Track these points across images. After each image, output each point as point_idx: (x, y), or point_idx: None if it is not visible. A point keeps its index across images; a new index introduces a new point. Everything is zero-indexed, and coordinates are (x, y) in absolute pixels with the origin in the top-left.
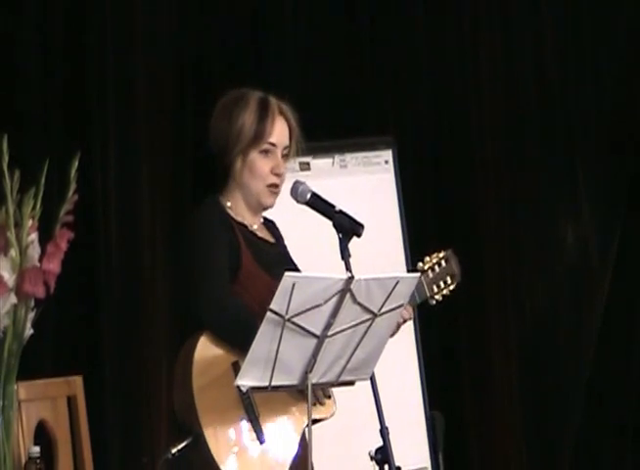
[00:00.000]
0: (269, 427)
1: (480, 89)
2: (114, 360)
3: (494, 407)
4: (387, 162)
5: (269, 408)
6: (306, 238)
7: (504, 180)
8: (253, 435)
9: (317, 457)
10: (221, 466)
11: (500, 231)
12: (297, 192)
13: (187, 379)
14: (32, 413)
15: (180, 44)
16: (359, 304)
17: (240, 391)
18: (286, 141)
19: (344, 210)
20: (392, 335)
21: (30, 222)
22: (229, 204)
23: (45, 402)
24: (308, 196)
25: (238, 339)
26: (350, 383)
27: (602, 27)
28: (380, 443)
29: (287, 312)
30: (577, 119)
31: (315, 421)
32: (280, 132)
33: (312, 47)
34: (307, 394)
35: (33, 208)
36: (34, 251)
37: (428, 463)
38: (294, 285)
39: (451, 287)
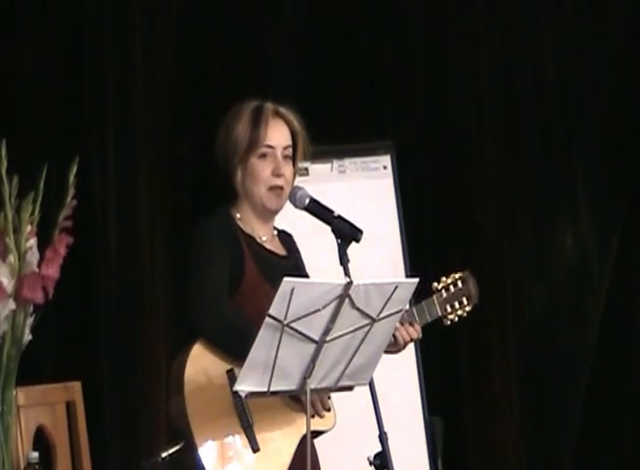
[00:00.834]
0: (263, 435)
1: (479, 93)
2: (113, 366)
3: (494, 412)
4: (385, 167)
5: (264, 417)
6: (305, 243)
7: (503, 184)
8: (246, 442)
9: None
10: None
11: (499, 235)
12: (295, 197)
13: (179, 385)
14: (31, 419)
15: (179, 47)
16: (358, 309)
17: (234, 398)
18: (284, 142)
19: (343, 215)
20: (398, 351)
21: (29, 228)
22: (239, 215)
23: (44, 408)
24: (307, 201)
25: (232, 346)
26: (349, 388)
27: (601, 27)
28: (379, 448)
29: (285, 317)
30: (576, 121)
31: (315, 434)
32: (276, 134)
33: (311, 52)
34: (306, 399)
35: (32, 213)
36: (33, 256)
37: (427, 469)
38: (292, 290)
39: (467, 308)
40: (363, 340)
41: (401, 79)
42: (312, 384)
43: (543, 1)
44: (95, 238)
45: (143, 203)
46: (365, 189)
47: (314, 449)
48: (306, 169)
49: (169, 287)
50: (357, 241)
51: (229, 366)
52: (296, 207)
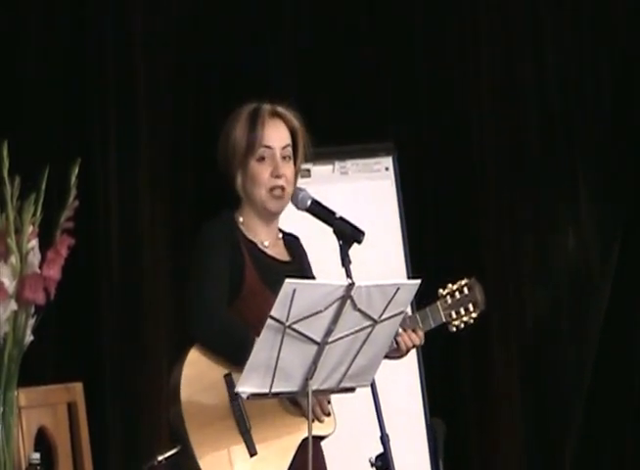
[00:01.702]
0: (261, 440)
1: (480, 94)
2: (115, 367)
3: (495, 414)
4: (387, 168)
5: (262, 421)
6: (307, 245)
7: (504, 185)
8: (244, 447)
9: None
10: None
11: (500, 236)
12: (297, 199)
13: (176, 390)
14: (33, 420)
15: (180, 47)
16: (360, 310)
17: (232, 402)
18: (283, 141)
19: (345, 216)
20: (400, 357)
21: (31, 229)
22: (242, 219)
23: (45, 409)
24: (309, 203)
25: (228, 351)
26: (351, 389)
27: (603, 27)
28: (380, 450)
29: (287, 319)
30: (578, 121)
31: (315, 439)
32: (274, 134)
33: (312, 52)
34: (307, 400)
35: (34, 214)
36: (35, 257)
37: None
38: (294, 291)
39: (473, 315)
40: (365, 341)
41: (402, 80)
42: (314, 385)
43: (544, 0)
44: (96, 239)
45: (144, 204)
46: (367, 190)
47: (321, 452)
48: (308, 171)
49: (171, 288)
50: (359, 242)
51: (226, 371)
52: (297, 208)
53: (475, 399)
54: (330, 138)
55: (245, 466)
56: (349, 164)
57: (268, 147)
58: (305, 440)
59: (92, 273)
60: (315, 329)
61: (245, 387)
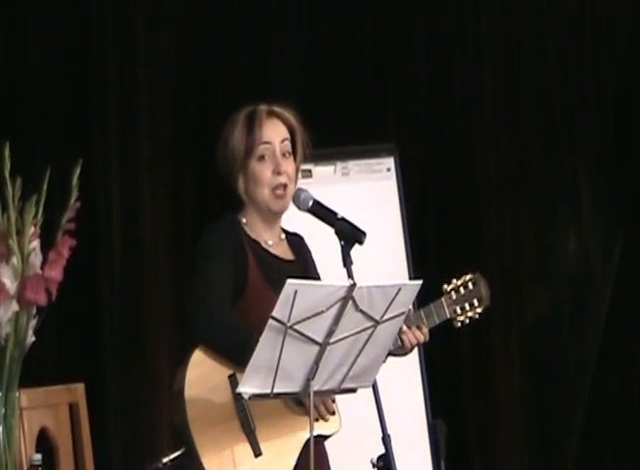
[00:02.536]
0: (266, 440)
1: (481, 95)
2: (116, 368)
3: (497, 415)
4: (389, 169)
5: (267, 422)
6: (309, 245)
7: (505, 185)
8: (248, 447)
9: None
10: None
11: (502, 236)
12: (299, 199)
13: (180, 391)
14: (34, 421)
15: (181, 51)
16: (361, 311)
17: (236, 402)
18: (281, 136)
19: (346, 217)
20: (405, 354)
21: (32, 230)
22: (245, 220)
23: (47, 410)
24: (310, 203)
25: (231, 352)
26: (352, 390)
27: (603, 28)
28: (382, 450)
29: (289, 320)
30: (579, 121)
31: (320, 438)
32: (272, 129)
33: (313, 53)
34: (309, 401)
35: (35, 215)
36: (36, 258)
37: None
38: (296, 292)
39: (478, 310)
40: (366, 342)
41: (403, 81)
42: (316, 386)
43: (545, 2)
44: (98, 240)
45: (146, 205)
46: (368, 191)
47: (324, 453)
48: (310, 171)
49: (172, 289)
50: (361, 243)
51: (230, 372)
52: (299, 209)
53: (476, 399)
54: (331, 139)
55: (249, 466)
56: (351, 164)
57: (267, 143)
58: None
59: (93, 274)
60: (317, 330)
61: (246, 387)
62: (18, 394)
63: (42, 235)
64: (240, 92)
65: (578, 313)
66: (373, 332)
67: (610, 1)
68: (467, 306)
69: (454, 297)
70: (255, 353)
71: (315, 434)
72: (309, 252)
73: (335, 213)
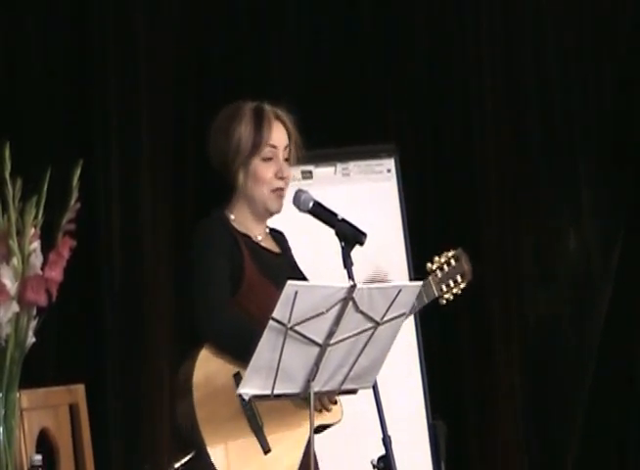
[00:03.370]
0: (274, 436)
1: (481, 96)
2: (117, 369)
3: (497, 416)
4: (389, 170)
5: (273, 418)
6: (309, 246)
7: (505, 186)
8: (257, 444)
9: (320, 465)
10: None
11: (502, 238)
12: (299, 200)
13: (187, 391)
14: (34, 422)
15: (181, 48)
16: (362, 312)
17: (242, 401)
18: (285, 142)
19: (347, 218)
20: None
21: (32, 230)
22: (233, 216)
23: (47, 411)
24: (311, 204)
25: (237, 350)
26: (353, 391)
27: (603, 28)
28: (382, 451)
29: (289, 321)
30: (579, 121)
31: (322, 427)
32: (278, 134)
33: (313, 53)
34: (310, 402)
35: (35, 216)
36: (36, 259)
37: None
38: (296, 293)
39: (462, 285)
40: (367, 343)
41: (403, 81)
42: (316, 387)
43: (545, 2)
44: (98, 240)
45: (146, 205)
46: (369, 192)
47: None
48: (310, 173)
49: (172, 289)
50: (361, 244)
51: (237, 370)
52: (300, 210)
53: (476, 400)
54: (331, 140)
55: (260, 463)
56: (351, 165)
57: (273, 146)
58: (315, 432)
59: (94, 275)
60: (317, 331)
61: (247, 388)
62: (18, 394)
63: (42, 236)
64: (240, 92)
65: (578, 313)
66: (373, 333)
67: (610, 1)
68: (451, 283)
69: (439, 275)
70: (256, 354)
71: (317, 424)
72: (290, 248)
73: (335, 215)
